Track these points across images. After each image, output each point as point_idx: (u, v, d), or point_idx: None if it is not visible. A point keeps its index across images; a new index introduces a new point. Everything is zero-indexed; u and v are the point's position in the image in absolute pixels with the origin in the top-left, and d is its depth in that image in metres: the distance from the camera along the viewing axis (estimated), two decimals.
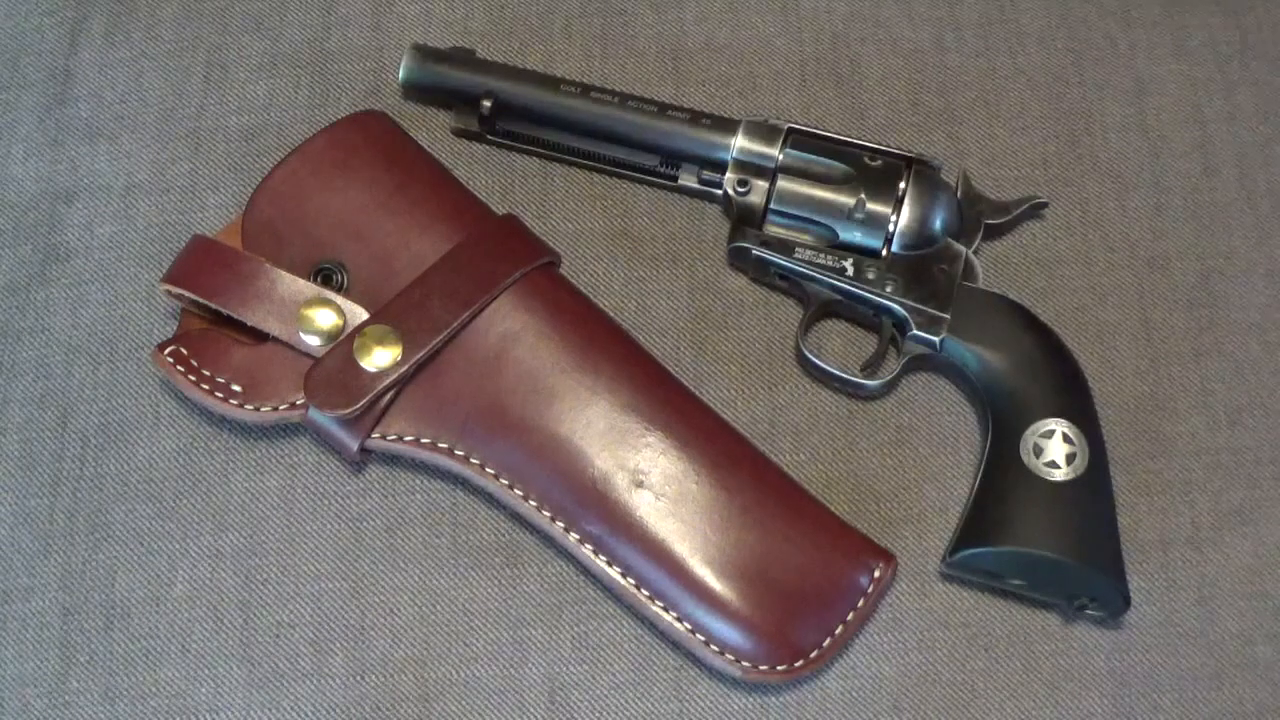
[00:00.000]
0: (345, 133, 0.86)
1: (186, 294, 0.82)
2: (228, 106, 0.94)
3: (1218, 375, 0.90)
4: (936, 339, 0.85)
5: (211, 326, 0.84)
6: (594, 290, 0.89)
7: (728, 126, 0.89)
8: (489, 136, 0.92)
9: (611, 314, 0.87)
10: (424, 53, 0.91)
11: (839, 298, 0.87)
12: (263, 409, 0.82)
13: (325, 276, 0.84)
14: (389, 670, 0.82)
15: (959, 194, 0.88)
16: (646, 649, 0.83)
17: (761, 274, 0.90)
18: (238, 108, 0.94)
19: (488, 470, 0.82)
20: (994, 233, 0.91)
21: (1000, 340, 0.85)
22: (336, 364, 0.81)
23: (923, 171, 0.87)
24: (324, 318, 0.81)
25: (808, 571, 0.80)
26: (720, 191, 0.90)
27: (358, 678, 0.82)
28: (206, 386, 0.82)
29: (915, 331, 0.86)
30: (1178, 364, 0.90)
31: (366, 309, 0.82)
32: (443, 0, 0.97)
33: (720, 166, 0.89)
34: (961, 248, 0.87)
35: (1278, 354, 0.91)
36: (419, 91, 0.92)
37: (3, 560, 0.84)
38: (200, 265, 0.83)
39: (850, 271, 0.87)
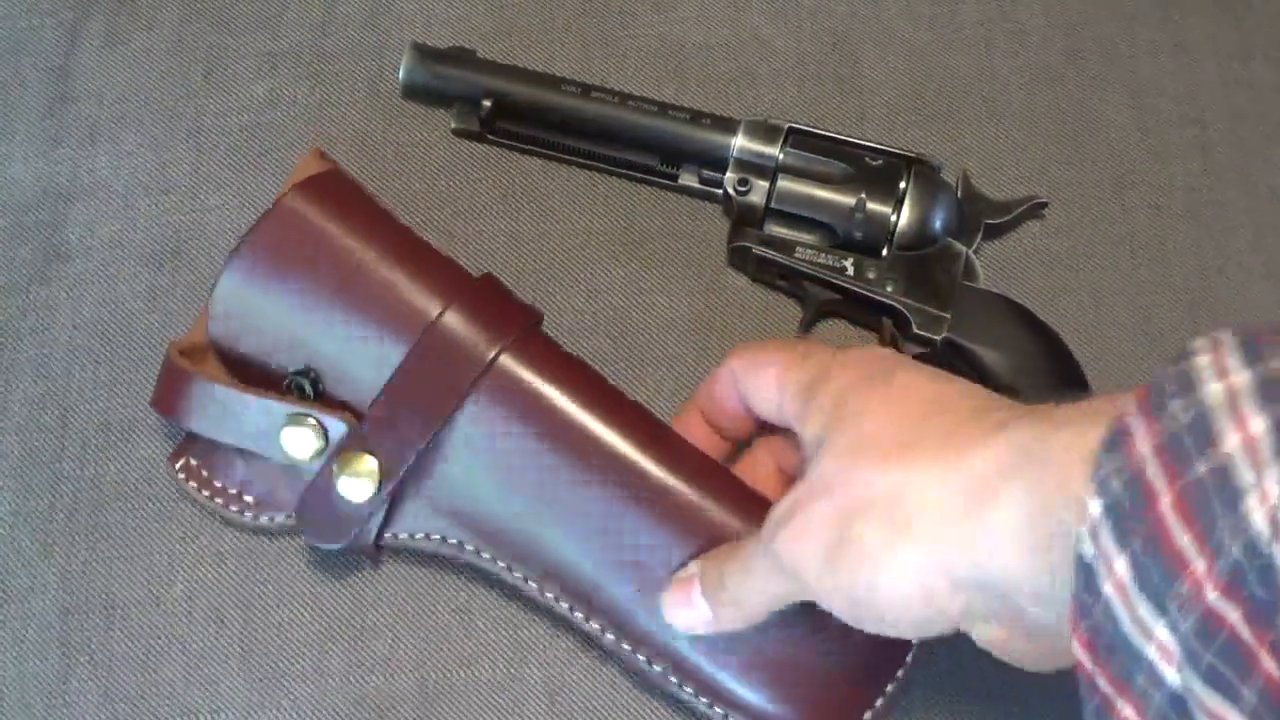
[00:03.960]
0: (281, 225, 0.78)
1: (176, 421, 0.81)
2: (228, 106, 0.94)
3: None
4: (937, 339, 0.85)
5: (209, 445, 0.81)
6: (594, 290, 0.89)
7: (728, 126, 0.89)
8: (489, 136, 0.92)
9: (611, 318, 0.87)
10: (424, 53, 0.91)
11: (839, 297, 0.87)
12: (276, 518, 0.81)
13: (301, 385, 0.78)
14: (389, 670, 0.82)
15: (959, 194, 0.89)
16: None
17: (761, 274, 0.90)
18: (238, 107, 0.94)
19: (499, 564, 0.79)
20: (994, 233, 0.91)
21: (1000, 340, 0.85)
22: (318, 499, 0.78)
23: (923, 171, 0.87)
24: (304, 439, 0.77)
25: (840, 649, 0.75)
26: (721, 191, 0.90)
27: (358, 678, 0.82)
28: (220, 500, 0.81)
29: (916, 331, 0.86)
30: None
31: (345, 418, 0.77)
32: (442, 0, 0.97)
33: (721, 166, 0.89)
34: (962, 247, 0.87)
35: None
36: (419, 91, 0.92)
37: (3, 560, 0.84)
38: (174, 393, 0.80)
39: (850, 271, 0.87)
